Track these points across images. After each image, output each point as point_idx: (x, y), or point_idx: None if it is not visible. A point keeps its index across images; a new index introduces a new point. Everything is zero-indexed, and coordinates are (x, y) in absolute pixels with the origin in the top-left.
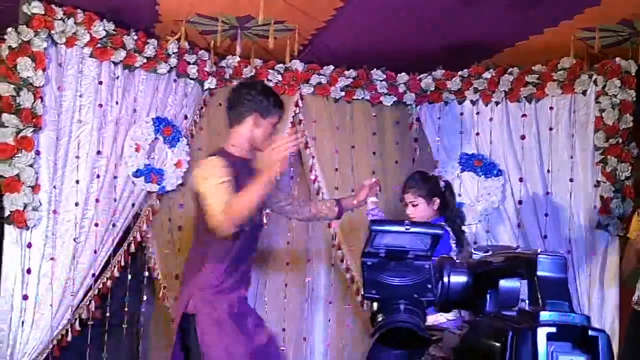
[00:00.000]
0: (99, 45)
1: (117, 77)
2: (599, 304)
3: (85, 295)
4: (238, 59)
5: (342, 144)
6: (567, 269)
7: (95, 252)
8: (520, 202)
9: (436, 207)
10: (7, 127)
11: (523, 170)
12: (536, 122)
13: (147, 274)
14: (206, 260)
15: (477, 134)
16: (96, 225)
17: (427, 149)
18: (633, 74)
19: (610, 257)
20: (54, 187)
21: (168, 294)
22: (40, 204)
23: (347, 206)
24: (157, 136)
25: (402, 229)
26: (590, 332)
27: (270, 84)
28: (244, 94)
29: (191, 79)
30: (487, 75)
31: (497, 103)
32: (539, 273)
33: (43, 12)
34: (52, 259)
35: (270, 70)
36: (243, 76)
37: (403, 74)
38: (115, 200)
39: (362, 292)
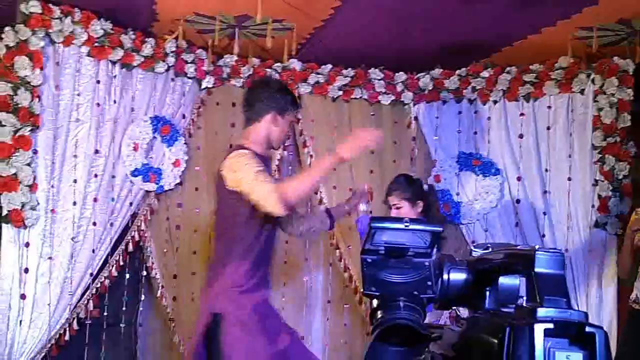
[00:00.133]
0: (96, 44)
1: (115, 76)
2: (597, 302)
3: (83, 294)
4: (236, 58)
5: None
6: (565, 265)
7: (93, 251)
8: (518, 201)
9: (419, 210)
10: (5, 126)
11: (521, 169)
12: (534, 121)
13: (145, 273)
14: (229, 259)
15: (475, 133)
16: (94, 224)
17: (425, 148)
18: (631, 73)
19: (608, 256)
20: (52, 186)
21: (166, 293)
22: (38, 203)
23: (338, 215)
24: (155, 135)
25: (401, 226)
26: (587, 329)
27: None
28: (263, 92)
29: (189, 77)
30: (485, 74)
31: (495, 102)
32: (537, 269)
33: (40, 11)
34: (49, 258)
35: (268, 70)
36: (241, 75)
37: (401, 73)
38: (113, 199)
39: (362, 289)
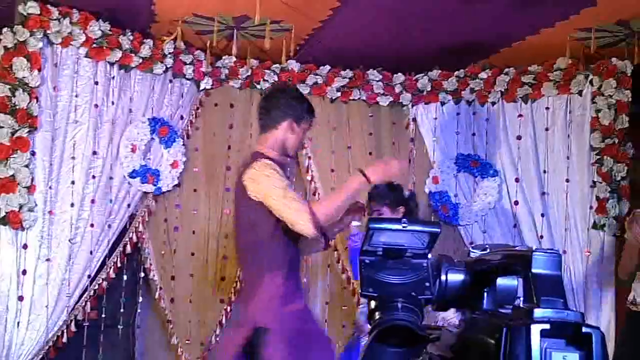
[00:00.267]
0: (94, 45)
1: (113, 78)
2: (595, 304)
3: (80, 296)
4: (234, 59)
5: (339, 145)
6: (562, 266)
7: (90, 253)
8: (516, 203)
9: (400, 215)
10: (3, 127)
11: (519, 170)
12: (532, 123)
13: (142, 274)
14: (264, 271)
15: (473, 134)
16: (92, 226)
17: (423, 150)
18: (629, 74)
19: (606, 258)
20: (50, 187)
21: (164, 294)
22: (36, 204)
23: (332, 234)
24: (153, 136)
25: (399, 227)
26: (584, 329)
27: (266, 85)
28: (280, 99)
29: (187, 79)
30: (483, 75)
31: (493, 103)
32: (534, 270)
33: (39, 12)
34: (47, 259)
35: (267, 71)
36: (239, 76)
37: (399, 74)
38: (111, 201)
39: (360, 290)
